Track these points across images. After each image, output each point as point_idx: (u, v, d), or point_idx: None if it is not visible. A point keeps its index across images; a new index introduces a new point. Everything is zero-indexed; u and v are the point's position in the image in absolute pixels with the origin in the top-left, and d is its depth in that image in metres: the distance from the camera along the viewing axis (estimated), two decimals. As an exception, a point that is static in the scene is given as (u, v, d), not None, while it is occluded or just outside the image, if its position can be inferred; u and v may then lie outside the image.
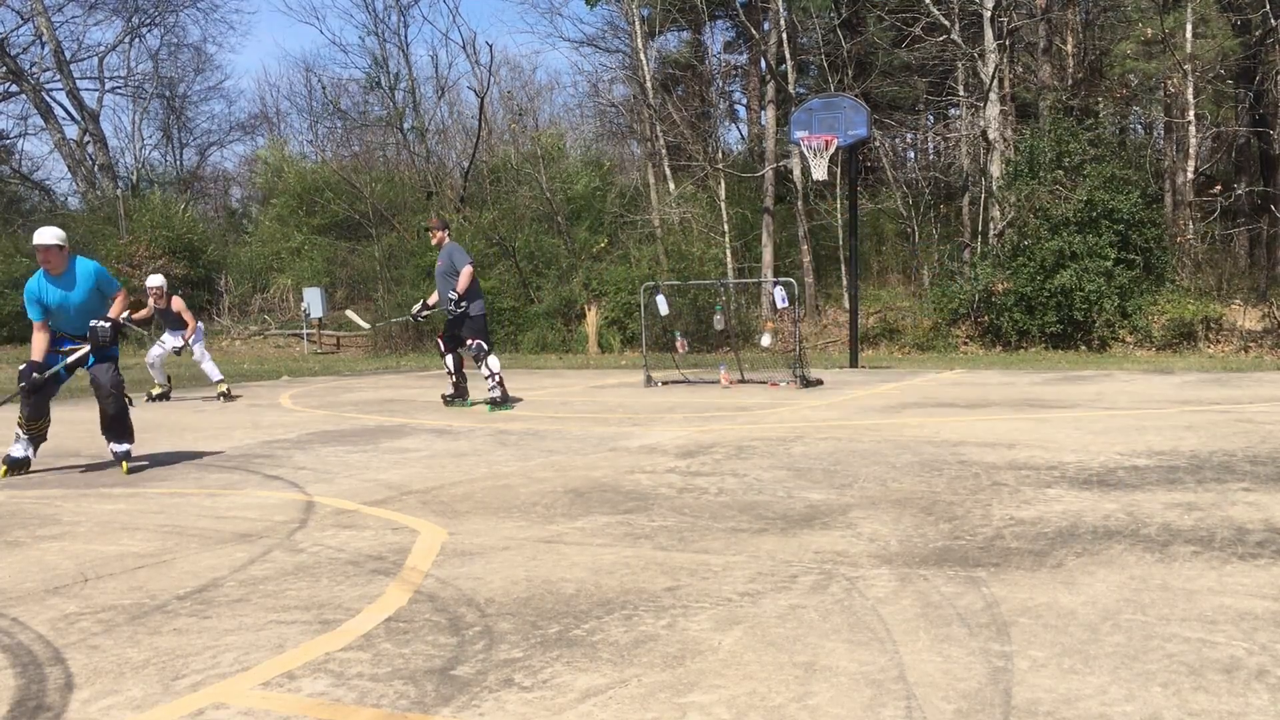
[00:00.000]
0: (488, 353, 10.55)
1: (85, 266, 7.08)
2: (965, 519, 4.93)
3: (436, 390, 13.40)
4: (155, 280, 12.82)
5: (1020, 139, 20.27)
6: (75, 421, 10.42)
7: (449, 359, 10.81)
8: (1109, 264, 17.33)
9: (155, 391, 13.01)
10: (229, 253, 28.23)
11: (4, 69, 30.15)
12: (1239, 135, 21.49)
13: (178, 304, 12.74)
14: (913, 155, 29.03)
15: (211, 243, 27.97)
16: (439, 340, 10.96)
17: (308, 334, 23.49)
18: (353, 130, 32.50)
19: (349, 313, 14.05)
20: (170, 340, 12.80)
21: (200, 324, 13.28)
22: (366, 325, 14.52)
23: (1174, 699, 2.71)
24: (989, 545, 4.40)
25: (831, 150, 15.41)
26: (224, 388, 12.86)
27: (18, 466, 7.08)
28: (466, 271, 10.36)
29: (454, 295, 10.35)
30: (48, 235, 6.95)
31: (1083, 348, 17.49)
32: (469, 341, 10.56)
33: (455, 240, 11.26)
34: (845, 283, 20.09)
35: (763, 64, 24.09)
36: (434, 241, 10.92)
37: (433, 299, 11.01)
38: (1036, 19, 20.96)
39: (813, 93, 22.96)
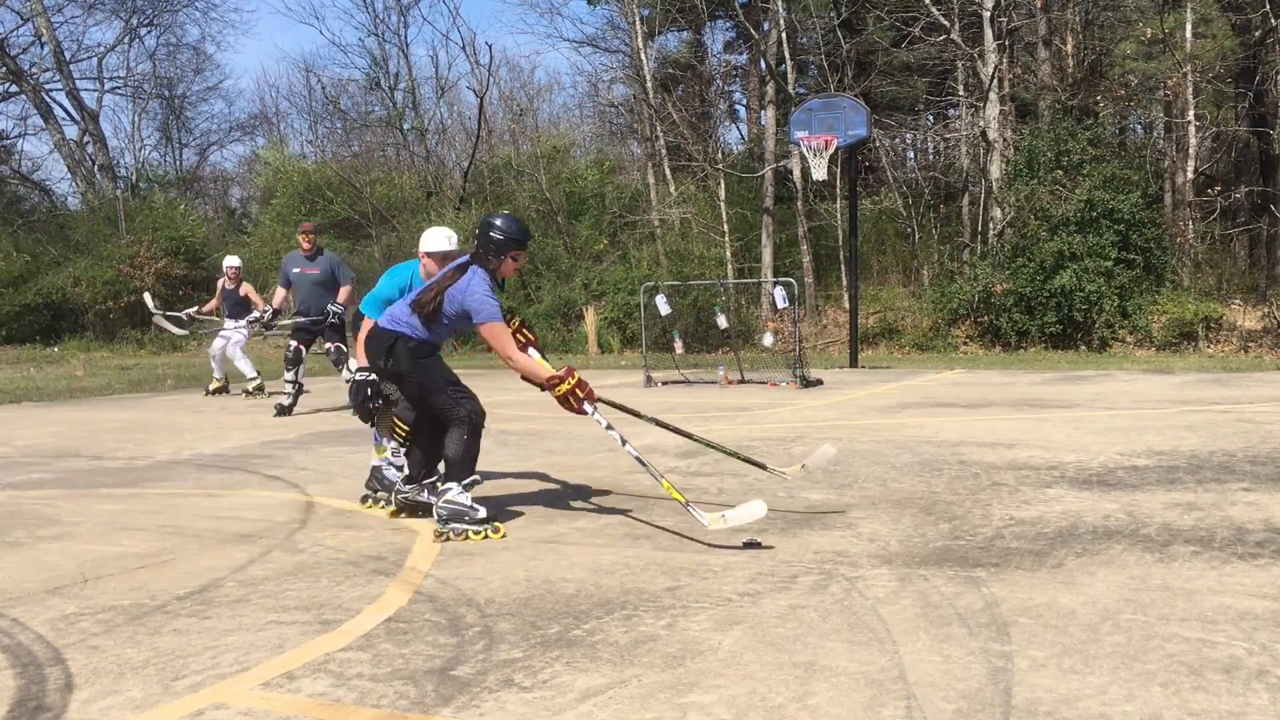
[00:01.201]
0: (348, 355, 10.58)
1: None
2: (965, 519, 4.93)
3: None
4: (233, 260, 13.08)
5: (1020, 139, 20.27)
6: (76, 421, 10.43)
7: (300, 369, 10.50)
8: (1109, 264, 17.32)
9: (213, 386, 12.94)
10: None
11: (4, 69, 30.14)
12: (1239, 135, 21.49)
13: (246, 288, 12.77)
14: (913, 155, 29.02)
15: (210, 245, 27.92)
16: (299, 346, 10.52)
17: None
18: (353, 130, 32.50)
19: (158, 319, 13.66)
20: (231, 329, 12.72)
21: (248, 321, 12.84)
22: (181, 332, 14.04)
23: (1174, 699, 2.71)
24: (989, 545, 4.40)
25: (831, 150, 15.41)
26: (253, 385, 12.81)
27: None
28: (350, 290, 10.60)
29: (337, 308, 10.35)
30: (455, 241, 5.76)
31: (1083, 348, 17.48)
32: (330, 346, 10.42)
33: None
34: (845, 283, 20.08)
35: (762, 64, 24.09)
36: (307, 245, 10.48)
37: (277, 300, 10.69)
38: (1036, 19, 20.96)
39: (812, 93, 22.95)
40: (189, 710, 2.81)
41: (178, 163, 36.23)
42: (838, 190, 22.05)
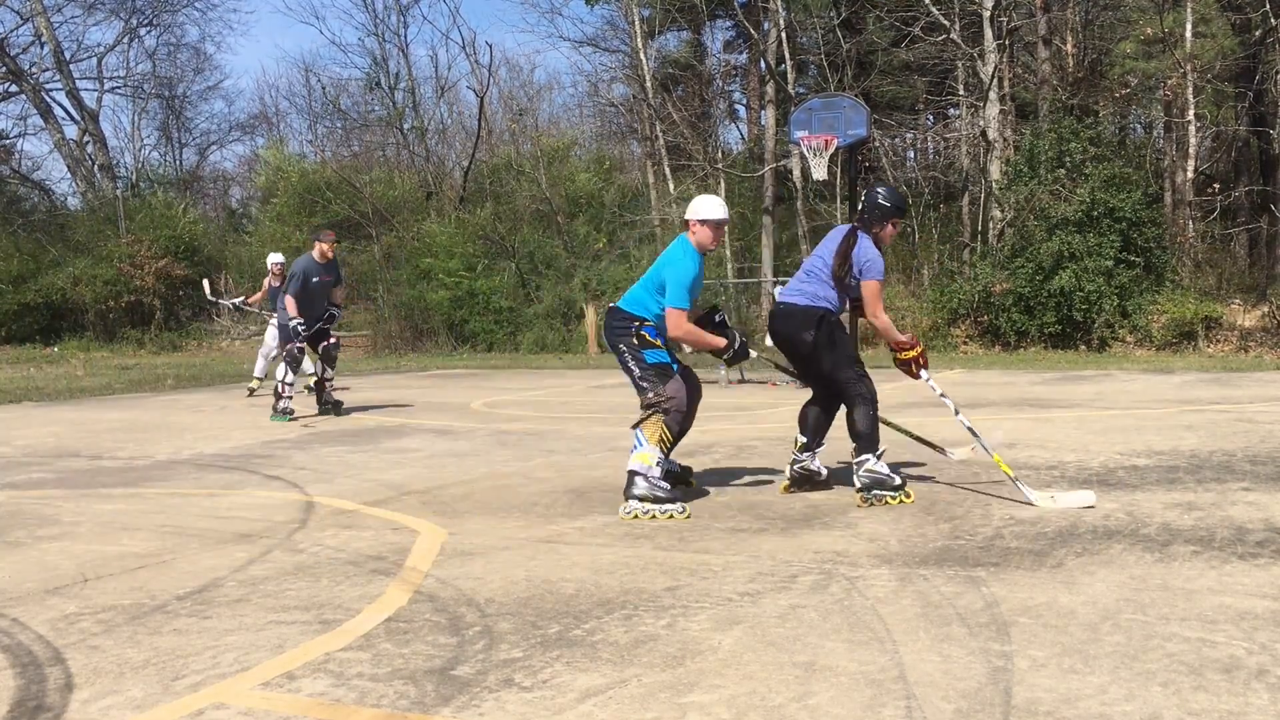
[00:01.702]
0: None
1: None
2: (965, 519, 4.93)
3: (436, 390, 13.41)
4: (277, 257, 13.00)
5: (1020, 139, 20.26)
6: (75, 421, 10.43)
7: (294, 372, 10.28)
8: (1109, 264, 17.31)
9: (309, 382, 12.61)
10: (228, 252, 28.22)
11: (4, 69, 30.15)
12: (1239, 135, 21.48)
13: None
14: (913, 155, 29.02)
15: (209, 243, 27.89)
16: (306, 347, 10.28)
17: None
18: (352, 130, 32.50)
19: (205, 286, 14.04)
20: (270, 325, 12.52)
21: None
22: (227, 303, 14.40)
23: (1174, 698, 2.71)
24: (989, 545, 4.40)
25: (831, 150, 15.39)
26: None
27: (681, 481, 5.72)
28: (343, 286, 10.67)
29: (337, 310, 10.32)
30: (726, 209, 5.63)
31: (1082, 347, 17.48)
32: (332, 341, 10.31)
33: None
34: (845, 282, 20.04)
35: (762, 64, 24.09)
36: (330, 255, 10.18)
37: (291, 309, 10.14)
38: (1036, 18, 20.96)
39: (812, 92, 22.94)
40: (189, 710, 2.81)
41: (178, 163, 36.24)
42: (838, 190, 22.04)
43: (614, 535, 4.80)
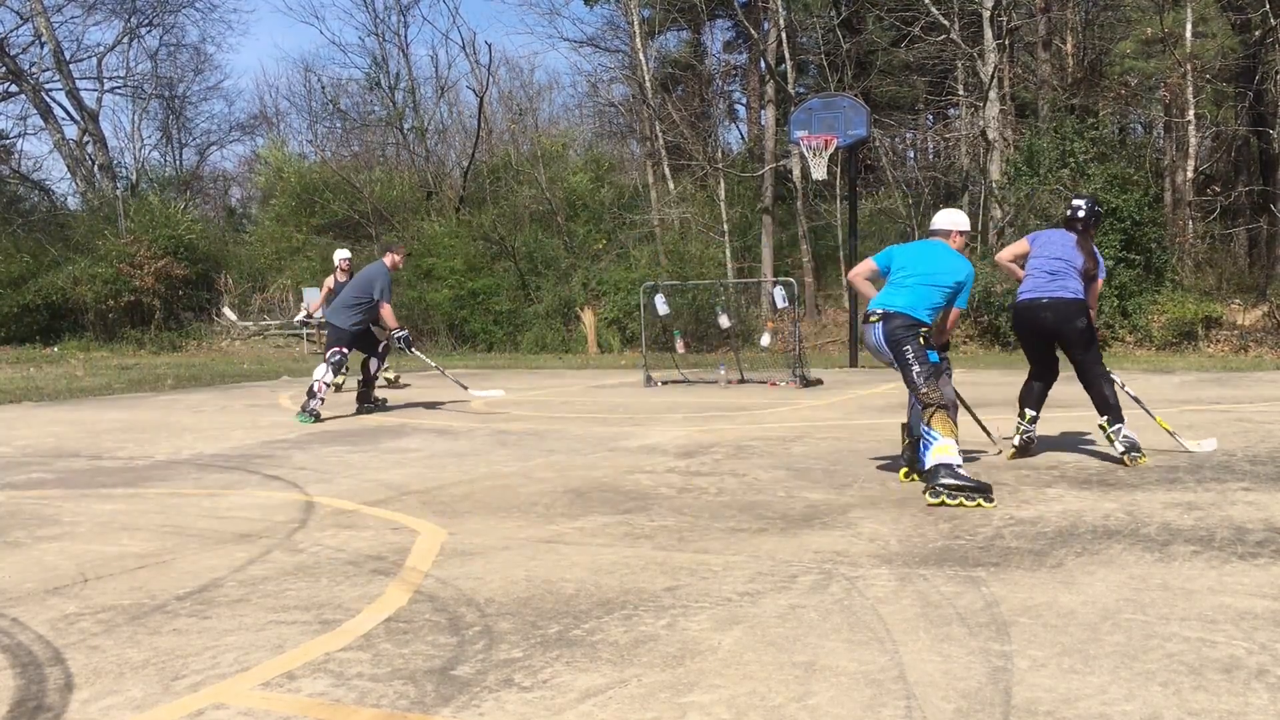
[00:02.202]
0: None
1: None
2: (965, 519, 4.94)
3: (436, 390, 13.42)
4: (344, 253, 12.99)
5: (1020, 138, 20.26)
6: (75, 421, 10.43)
7: (336, 374, 10.38)
8: (1109, 264, 17.32)
9: (390, 375, 12.67)
10: (228, 252, 28.19)
11: (4, 69, 30.15)
12: (1239, 135, 21.47)
13: None
14: (912, 155, 29.02)
15: (203, 240, 27.86)
16: (342, 348, 10.43)
17: (307, 334, 23.49)
18: (352, 130, 32.49)
19: (227, 311, 14.37)
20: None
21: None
22: (244, 323, 14.79)
23: (1174, 698, 2.71)
24: (989, 545, 4.40)
25: (831, 150, 15.42)
26: (391, 374, 13.09)
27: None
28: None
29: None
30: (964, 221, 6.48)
31: (1082, 347, 17.46)
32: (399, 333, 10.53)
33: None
34: (845, 282, 20.08)
35: (762, 64, 24.10)
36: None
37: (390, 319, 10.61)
38: (1036, 19, 20.97)
39: (812, 92, 22.94)
40: (189, 710, 2.81)
41: (178, 163, 36.23)
42: (838, 190, 22.06)
43: (614, 535, 4.80)
